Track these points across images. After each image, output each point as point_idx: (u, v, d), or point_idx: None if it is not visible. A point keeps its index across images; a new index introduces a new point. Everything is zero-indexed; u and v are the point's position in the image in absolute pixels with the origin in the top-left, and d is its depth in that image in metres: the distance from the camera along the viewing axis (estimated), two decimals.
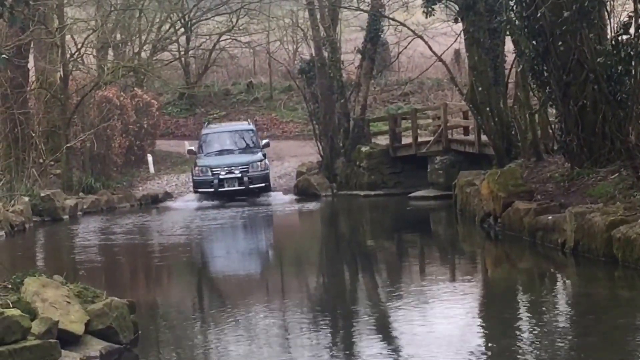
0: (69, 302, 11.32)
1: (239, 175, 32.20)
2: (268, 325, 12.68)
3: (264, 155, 33.48)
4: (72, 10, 38.20)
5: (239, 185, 32.08)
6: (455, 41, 27.39)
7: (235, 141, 34.42)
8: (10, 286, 11.61)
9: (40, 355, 10.19)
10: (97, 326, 11.32)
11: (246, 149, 33.92)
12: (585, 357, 10.00)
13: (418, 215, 25.66)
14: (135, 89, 39.62)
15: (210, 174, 32.30)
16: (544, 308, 12.76)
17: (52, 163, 33.25)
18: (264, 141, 34.93)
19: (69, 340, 10.85)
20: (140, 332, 12.11)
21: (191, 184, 33.98)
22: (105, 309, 11.44)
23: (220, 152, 33.78)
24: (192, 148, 34.66)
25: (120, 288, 15.91)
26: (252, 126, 35.87)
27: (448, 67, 29.01)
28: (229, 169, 32.37)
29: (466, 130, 29.44)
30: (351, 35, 38.74)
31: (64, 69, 32.96)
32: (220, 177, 32.21)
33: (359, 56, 33.45)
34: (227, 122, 40.08)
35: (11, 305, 10.64)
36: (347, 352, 11.06)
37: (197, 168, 32.91)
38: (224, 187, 32.05)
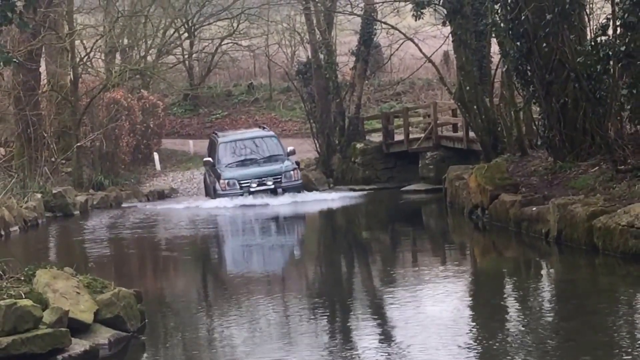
0: (78, 293, 11.31)
1: (272, 186, 27.78)
2: (271, 311, 12.66)
3: (298, 164, 29.27)
4: (81, 16, 38.09)
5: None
6: (443, 43, 27.28)
7: (258, 150, 29.69)
8: (23, 278, 11.59)
9: (52, 343, 10.20)
10: (106, 315, 11.31)
11: (271, 158, 29.19)
12: (569, 340, 10.01)
13: (410, 208, 25.65)
14: (141, 90, 39.50)
15: (238, 187, 27.83)
16: (529, 294, 12.78)
17: (63, 161, 33.15)
18: (290, 148, 29.61)
19: (78, 328, 10.84)
20: (147, 320, 12.10)
21: (195, 180, 33.62)
22: (114, 299, 11.43)
23: (244, 163, 29.11)
24: (210, 159, 29.78)
25: (128, 279, 15.88)
26: (272, 132, 31.24)
27: (437, 67, 28.95)
28: (260, 180, 27.90)
29: (455, 128, 29.40)
30: (345, 38, 38.67)
31: (73, 72, 32.86)
32: (251, 189, 27.70)
33: (353, 58, 33.37)
34: (235, 129, 36.65)
35: (24, 296, 10.64)
36: (346, 332, 11.05)
37: (222, 181, 28.16)
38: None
